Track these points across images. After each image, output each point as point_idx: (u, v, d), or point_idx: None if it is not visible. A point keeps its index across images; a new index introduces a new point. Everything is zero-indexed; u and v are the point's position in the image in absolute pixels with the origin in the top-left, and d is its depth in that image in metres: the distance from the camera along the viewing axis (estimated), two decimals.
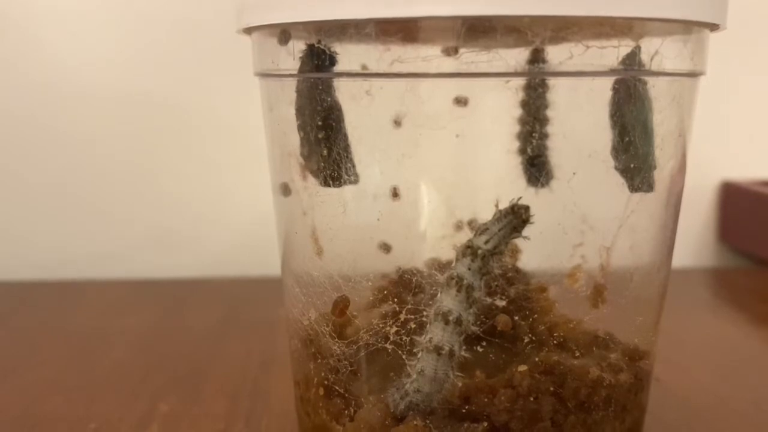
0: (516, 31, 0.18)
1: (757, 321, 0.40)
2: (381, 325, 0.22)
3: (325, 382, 0.22)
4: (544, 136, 0.23)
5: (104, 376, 0.33)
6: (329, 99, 0.21)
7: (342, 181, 0.22)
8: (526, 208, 0.20)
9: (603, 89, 0.20)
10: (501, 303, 0.22)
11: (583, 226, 0.22)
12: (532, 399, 0.20)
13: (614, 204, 0.21)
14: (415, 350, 0.20)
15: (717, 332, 0.38)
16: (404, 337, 0.21)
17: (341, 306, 0.22)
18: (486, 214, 0.20)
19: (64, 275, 0.49)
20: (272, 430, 0.27)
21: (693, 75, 0.21)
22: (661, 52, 0.19)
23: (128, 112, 0.48)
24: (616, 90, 0.20)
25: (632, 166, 0.21)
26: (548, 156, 0.23)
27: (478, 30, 0.18)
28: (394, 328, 0.21)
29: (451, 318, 0.19)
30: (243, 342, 0.36)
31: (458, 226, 0.25)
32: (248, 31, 0.22)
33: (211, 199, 0.50)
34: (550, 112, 0.23)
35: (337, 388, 0.22)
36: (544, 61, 0.19)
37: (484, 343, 0.21)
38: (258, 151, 0.48)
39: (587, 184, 0.22)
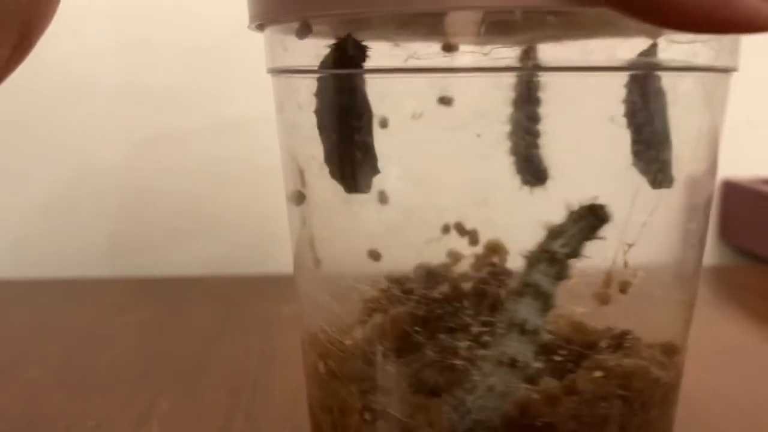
0: (539, 26, 0.17)
1: (757, 319, 0.40)
2: (450, 340, 0.20)
3: (374, 407, 0.20)
4: (536, 133, 0.23)
5: (104, 373, 0.33)
6: (362, 97, 0.20)
7: (371, 185, 0.20)
8: (604, 208, 0.19)
9: (609, 85, 0.20)
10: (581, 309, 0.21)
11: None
12: (599, 404, 0.19)
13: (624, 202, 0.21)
14: (479, 364, 0.19)
15: (716, 330, 0.38)
16: (478, 351, 0.19)
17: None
18: (475, 218, 0.20)
19: (64, 273, 0.49)
20: (272, 426, 0.27)
21: (725, 71, 0.20)
22: (693, 47, 0.19)
23: (129, 110, 0.48)
24: (631, 87, 0.19)
25: (651, 162, 0.20)
26: (541, 155, 0.23)
27: (500, 24, 0.17)
28: (466, 342, 0.19)
29: (527, 328, 0.18)
30: (243, 339, 0.36)
31: (445, 229, 0.24)
32: (261, 27, 0.21)
33: (211, 198, 0.50)
34: (542, 110, 0.22)
35: (391, 412, 0.20)
36: (535, 57, 0.18)
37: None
38: (259, 150, 0.49)
39: (588, 185, 0.21)
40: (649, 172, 0.20)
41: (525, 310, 0.18)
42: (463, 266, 0.24)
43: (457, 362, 0.19)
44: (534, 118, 0.22)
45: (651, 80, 0.19)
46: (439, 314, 0.21)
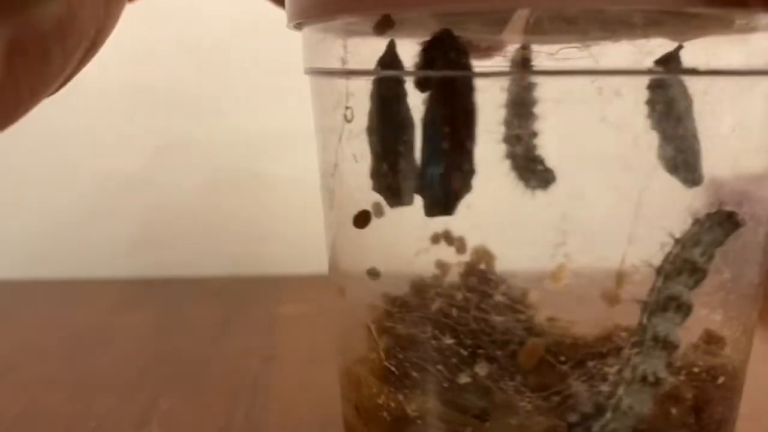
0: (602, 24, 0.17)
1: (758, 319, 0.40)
2: (599, 367, 0.18)
3: None
4: (533, 135, 0.22)
5: (104, 373, 0.33)
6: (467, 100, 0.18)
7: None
8: (736, 213, 0.18)
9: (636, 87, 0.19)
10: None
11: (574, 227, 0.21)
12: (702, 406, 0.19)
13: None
14: (618, 385, 0.18)
15: None
16: (628, 374, 0.18)
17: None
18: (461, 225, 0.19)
19: (63, 274, 0.49)
20: (272, 426, 0.27)
21: None
22: (752, 47, 0.18)
23: (130, 110, 0.48)
24: (655, 91, 0.18)
25: (679, 164, 0.19)
26: (540, 156, 0.22)
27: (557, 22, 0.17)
28: (616, 367, 0.18)
29: (671, 341, 0.18)
30: (243, 339, 0.36)
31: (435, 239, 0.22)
32: (300, 25, 0.20)
33: (211, 198, 0.50)
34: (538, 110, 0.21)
35: None
36: (530, 60, 0.18)
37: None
38: (259, 151, 0.49)
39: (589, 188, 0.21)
40: (678, 172, 0.19)
41: (665, 325, 0.18)
42: (453, 275, 0.22)
43: (604, 388, 0.18)
44: (531, 120, 0.21)
45: (675, 83, 0.18)
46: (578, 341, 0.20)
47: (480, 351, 0.19)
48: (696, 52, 0.18)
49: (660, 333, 0.18)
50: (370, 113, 0.19)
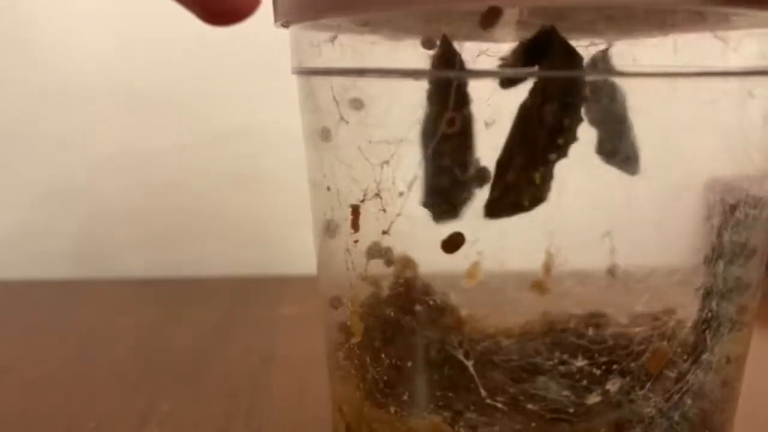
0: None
1: (756, 320, 0.40)
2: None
3: None
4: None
5: (104, 374, 0.33)
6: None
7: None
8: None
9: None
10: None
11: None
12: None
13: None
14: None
15: None
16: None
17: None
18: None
19: (63, 274, 0.49)
20: (272, 427, 0.27)
21: None
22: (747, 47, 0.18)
23: (131, 109, 0.48)
24: (592, 90, 0.18)
25: (619, 157, 0.19)
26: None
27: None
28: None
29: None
30: (243, 340, 0.36)
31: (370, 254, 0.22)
32: (287, 24, 0.20)
33: (211, 199, 0.50)
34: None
35: None
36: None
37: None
38: (260, 152, 0.49)
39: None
40: (617, 163, 0.19)
41: (731, 306, 0.19)
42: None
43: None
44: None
45: (608, 83, 0.18)
46: None
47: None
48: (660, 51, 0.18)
49: (730, 313, 0.19)
50: (427, 118, 0.18)
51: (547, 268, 0.20)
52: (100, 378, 0.32)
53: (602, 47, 0.17)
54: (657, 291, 0.20)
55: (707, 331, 0.19)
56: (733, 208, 0.18)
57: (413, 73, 0.18)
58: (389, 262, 0.21)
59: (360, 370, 0.21)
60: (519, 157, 0.18)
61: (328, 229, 0.21)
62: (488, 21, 0.16)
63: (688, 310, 0.20)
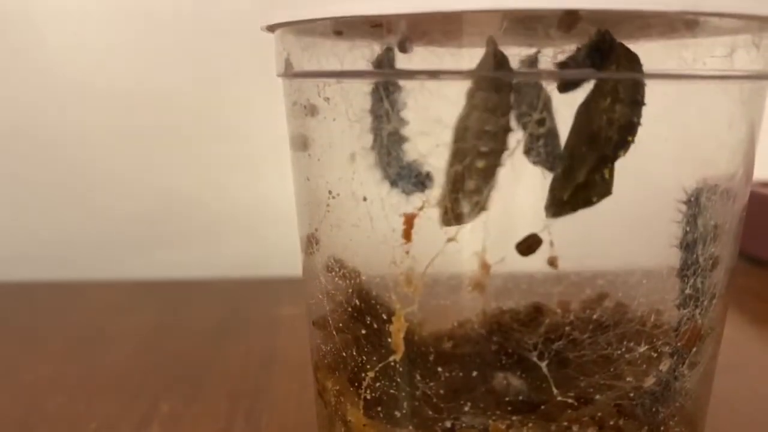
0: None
1: (756, 321, 0.40)
2: None
3: None
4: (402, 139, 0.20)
5: (105, 375, 0.33)
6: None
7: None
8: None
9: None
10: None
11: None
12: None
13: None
14: None
15: None
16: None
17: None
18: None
19: (64, 275, 0.49)
20: (272, 428, 0.27)
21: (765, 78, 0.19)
22: (732, 52, 0.18)
23: (131, 110, 0.48)
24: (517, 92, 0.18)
25: (544, 155, 0.19)
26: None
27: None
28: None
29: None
30: (243, 341, 0.36)
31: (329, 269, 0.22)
32: (272, 28, 0.20)
33: (211, 200, 0.50)
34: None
35: None
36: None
37: None
38: (260, 152, 0.49)
39: None
40: (543, 162, 0.19)
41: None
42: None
43: None
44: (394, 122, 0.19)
45: (530, 86, 0.18)
46: None
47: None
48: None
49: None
50: (463, 121, 0.18)
51: (485, 266, 0.20)
52: (100, 379, 0.32)
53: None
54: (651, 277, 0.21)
55: (695, 306, 0.20)
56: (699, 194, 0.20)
57: (455, 74, 0.18)
58: (343, 276, 0.21)
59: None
60: (591, 155, 0.18)
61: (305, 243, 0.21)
62: (567, 25, 0.16)
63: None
